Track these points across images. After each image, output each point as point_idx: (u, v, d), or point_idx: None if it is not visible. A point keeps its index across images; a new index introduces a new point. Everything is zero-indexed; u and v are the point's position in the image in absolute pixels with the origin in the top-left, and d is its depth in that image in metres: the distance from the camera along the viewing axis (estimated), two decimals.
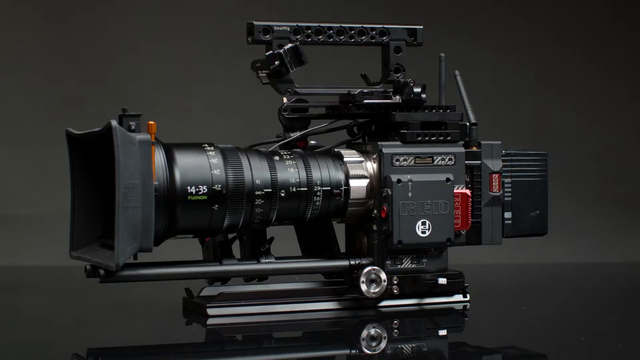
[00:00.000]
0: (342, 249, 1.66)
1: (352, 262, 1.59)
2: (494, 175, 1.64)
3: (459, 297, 1.63)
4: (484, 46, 2.61)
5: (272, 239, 1.58)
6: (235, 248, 1.60)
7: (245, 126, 2.41)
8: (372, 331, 1.49)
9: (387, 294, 1.59)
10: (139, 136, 1.44)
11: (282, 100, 1.62)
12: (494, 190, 1.64)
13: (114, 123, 1.41)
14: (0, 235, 2.34)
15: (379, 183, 1.58)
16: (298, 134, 1.62)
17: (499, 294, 1.82)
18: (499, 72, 2.61)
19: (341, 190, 1.57)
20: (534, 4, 2.69)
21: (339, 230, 1.65)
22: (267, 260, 1.56)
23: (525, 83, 2.64)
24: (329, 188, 1.56)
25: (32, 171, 2.43)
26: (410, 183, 1.57)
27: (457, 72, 1.67)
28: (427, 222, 1.58)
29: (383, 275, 1.58)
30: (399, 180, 1.57)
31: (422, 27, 1.67)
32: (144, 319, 1.60)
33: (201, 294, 1.59)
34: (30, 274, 2.12)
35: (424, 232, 1.58)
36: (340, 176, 1.58)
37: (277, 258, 1.58)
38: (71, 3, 2.50)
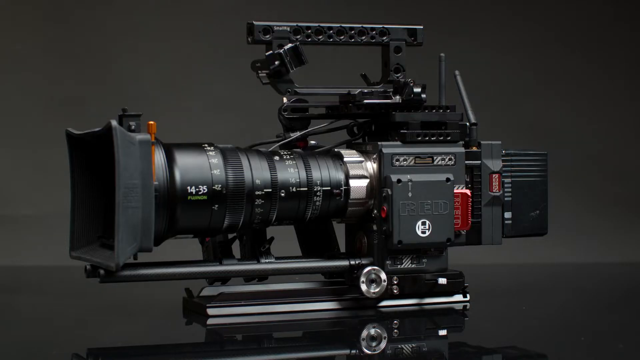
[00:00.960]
0: (342, 249, 1.66)
1: (352, 262, 1.59)
2: (494, 175, 1.64)
3: (459, 297, 1.64)
4: (484, 46, 2.61)
5: (272, 239, 1.58)
6: (235, 248, 1.60)
7: (245, 126, 2.41)
8: (372, 331, 1.49)
9: (387, 294, 1.59)
10: (139, 136, 1.44)
11: (282, 100, 1.62)
12: (494, 190, 1.64)
13: (114, 123, 1.41)
14: (0, 235, 2.34)
15: (379, 183, 1.58)
16: (298, 134, 1.62)
17: (499, 294, 1.82)
18: (499, 72, 2.61)
19: (341, 190, 1.57)
20: (534, 4, 2.69)
21: (339, 230, 1.65)
22: (267, 260, 1.56)
23: (525, 83, 2.64)
24: (329, 188, 1.56)
25: (32, 171, 2.43)
26: (410, 183, 1.57)
27: (457, 72, 1.67)
28: (427, 222, 1.58)
29: (383, 275, 1.58)
30: (399, 180, 1.57)
31: (422, 27, 1.67)
32: (144, 319, 1.60)
33: (201, 294, 1.59)
34: (30, 274, 2.12)
35: (424, 232, 1.58)
36: (340, 176, 1.58)
37: (277, 258, 1.58)
38: (71, 3, 2.50)
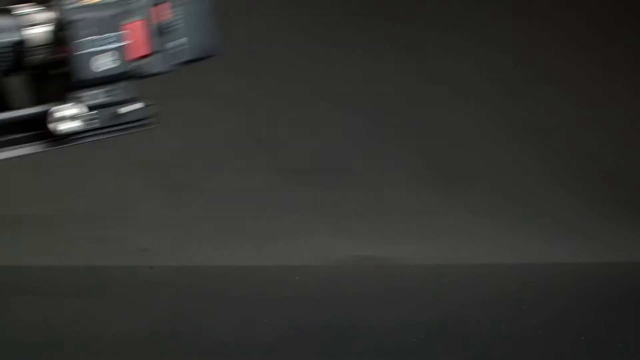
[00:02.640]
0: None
1: (43, 109, 1.50)
2: (163, 4, 1.59)
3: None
4: (483, 46, 2.61)
5: None
6: None
7: (245, 126, 2.41)
8: None
9: (86, 130, 1.51)
10: None
11: None
12: (164, 19, 1.58)
13: None
14: (0, 235, 2.34)
15: (56, 27, 1.53)
16: None
17: (499, 294, 1.82)
18: (498, 72, 2.61)
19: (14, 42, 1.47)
20: (534, 4, 2.69)
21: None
22: None
23: (525, 83, 2.64)
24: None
25: (32, 171, 2.43)
26: (83, 22, 1.52)
27: None
28: (105, 56, 1.53)
29: (74, 111, 1.50)
30: (73, 21, 1.52)
31: None
32: (144, 319, 1.60)
33: None
34: (30, 274, 2.12)
35: (103, 66, 1.53)
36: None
37: None
38: None
